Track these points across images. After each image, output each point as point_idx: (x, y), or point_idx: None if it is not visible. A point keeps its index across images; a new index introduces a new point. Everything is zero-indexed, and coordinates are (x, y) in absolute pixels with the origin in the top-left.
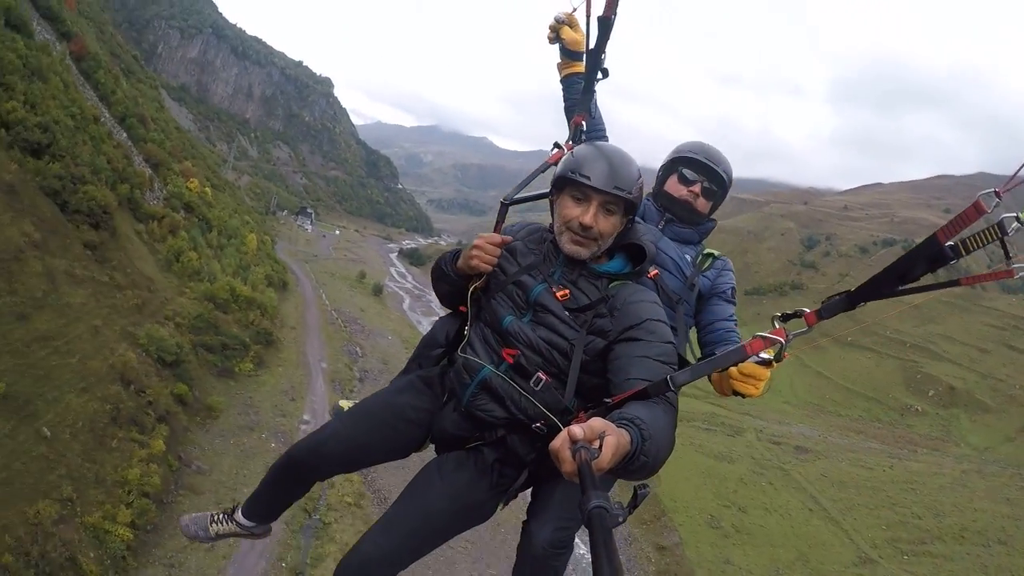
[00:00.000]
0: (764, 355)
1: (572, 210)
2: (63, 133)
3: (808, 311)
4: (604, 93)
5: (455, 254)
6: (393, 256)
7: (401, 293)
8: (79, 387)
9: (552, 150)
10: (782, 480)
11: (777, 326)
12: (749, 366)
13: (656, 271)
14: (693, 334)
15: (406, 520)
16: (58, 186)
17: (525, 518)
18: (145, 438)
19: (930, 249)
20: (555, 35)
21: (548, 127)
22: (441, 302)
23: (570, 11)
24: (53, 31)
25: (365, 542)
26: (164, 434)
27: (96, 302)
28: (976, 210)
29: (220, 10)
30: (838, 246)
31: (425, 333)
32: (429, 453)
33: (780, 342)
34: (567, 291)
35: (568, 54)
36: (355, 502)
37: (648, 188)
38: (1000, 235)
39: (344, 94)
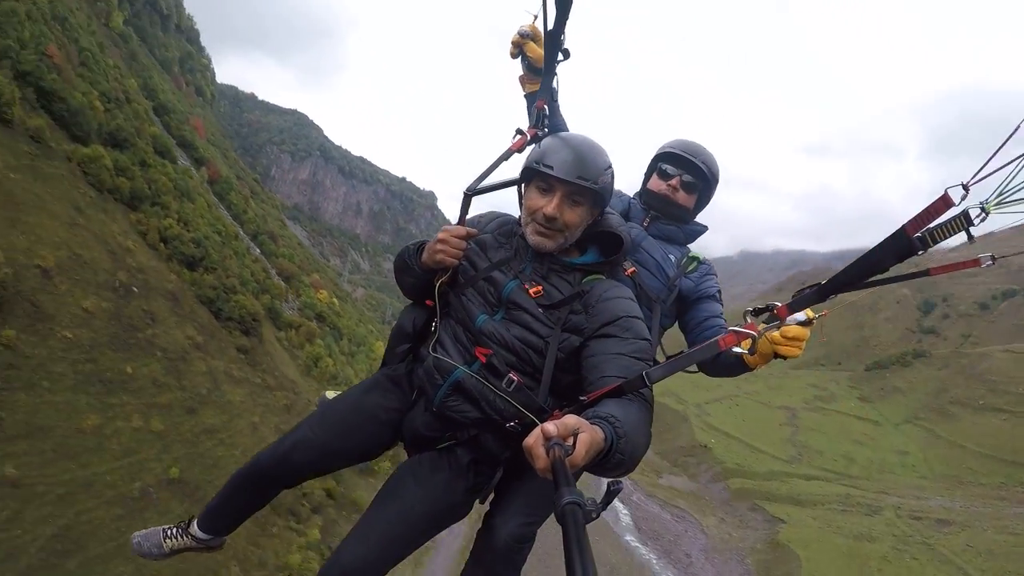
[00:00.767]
0: (738, 349)
1: (537, 201)
2: (213, 248)
3: (780, 304)
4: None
5: (419, 246)
6: None
7: None
8: None
9: (514, 136)
10: (927, 555)
11: (749, 320)
12: (793, 328)
13: (633, 268)
14: (667, 337)
15: (384, 526)
16: (213, 295)
17: (488, 510)
18: (302, 527)
19: (899, 242)
20: (518, 50)
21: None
22: (405, 295)
23: (532, 22)
24: (189, 157)
25: (343, 552)
26: (319, 524)
27: (252, 401)
28: (944, 203)
29: (326, 134)
30: (956, 306)
31: (390, 337)
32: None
33: (752, 335)
34: (540, 287)
35: (533, 70)
36: None
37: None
38: (965, 225)
39: (447, 205)
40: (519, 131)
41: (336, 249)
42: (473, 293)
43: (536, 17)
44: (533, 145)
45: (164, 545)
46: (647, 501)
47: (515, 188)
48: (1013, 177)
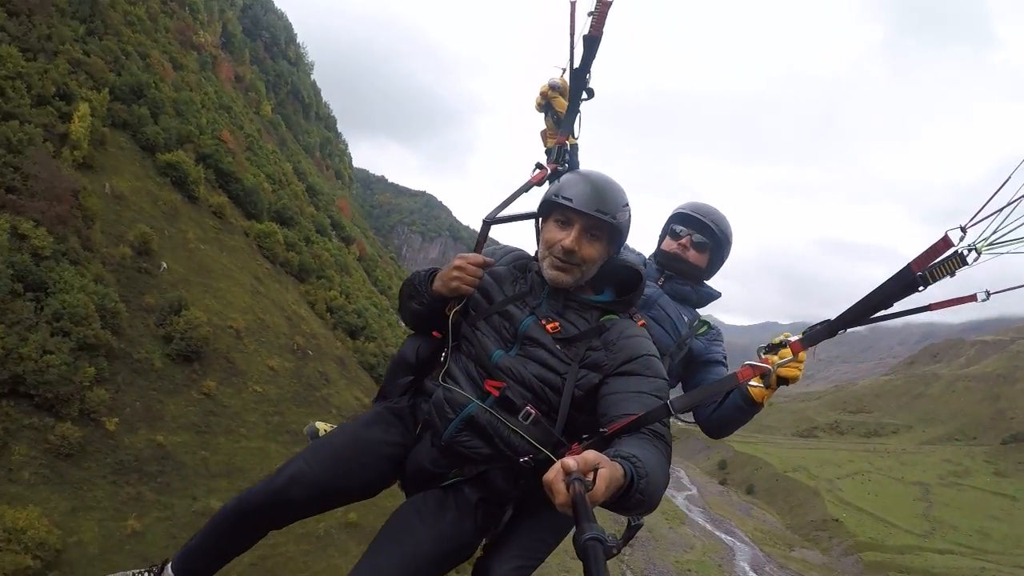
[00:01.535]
0: (754, 383)
1: (555, 234)
2: (371, 318)
3: (793, 340)
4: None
5: (431, 273)
6: None
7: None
8: None
9: (534, 170)
10: None
11: (763, 356)
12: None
13: (643, 321)
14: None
15: (390, 569)
16: (374, 362)
17: (480, 553)
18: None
19: (904, 279)
20: (545, 102)
21: (774, 296)
22: (407, 324)
23: (560, 75)
24: (338, 236)
25: None
26: None
27: None
28: (944, 244)
29: (455, 215)
30: None
31: (389, 367)
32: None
33: (768, 369)
34: (556, 323)
35: (558, 124)
36: None
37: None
38: (960, 264)
39: None
40: (539, 165)
41: None
42: (486, 327)
43: (565, 71)
44: (552, 182)
45: None
46: (779, 573)
47: (532, 225)
48: (1004, 221)
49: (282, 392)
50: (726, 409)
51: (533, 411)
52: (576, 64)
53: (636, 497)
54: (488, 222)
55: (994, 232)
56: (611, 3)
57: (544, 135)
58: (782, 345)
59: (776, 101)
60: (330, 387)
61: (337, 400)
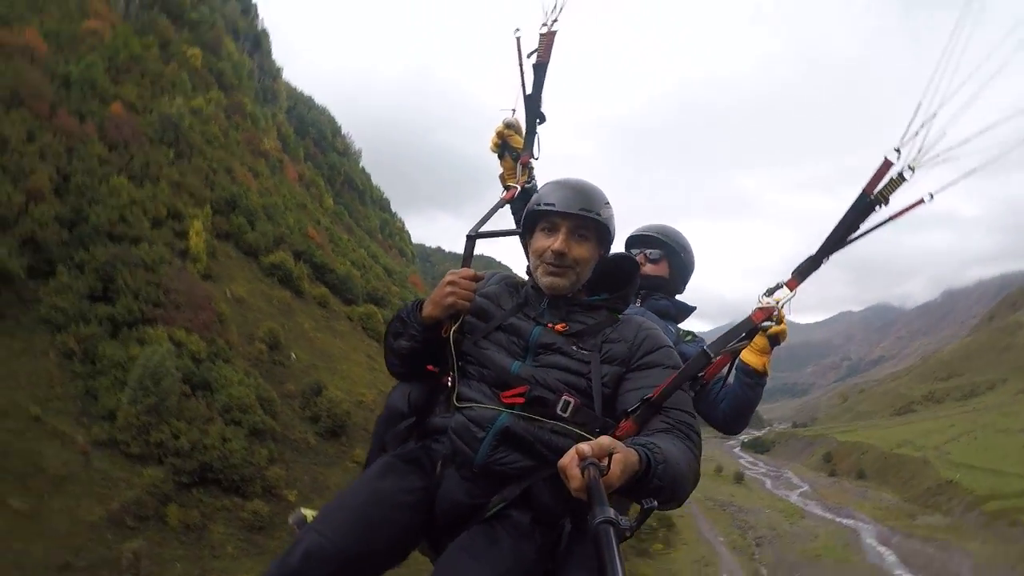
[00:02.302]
0: (767, 323)
1: (543, 242)
2: None
3: (788, 279)
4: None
5: (417, 304)
6: (736, 450)
7: (760, 477)
8: None
9: (503, 191)
10: None
11: (765, 299)
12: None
13: None
14: None
15: None
16: None
17: None
18: None
19: (863, 202)
20: (502, 141)
21: (841, 288)
22: (395, 370)
23: (512, 113)
24: None
25: None
26: None
27: None
28: (885, 166)
29: (514, 271)
30: None
31: (376, 425)
32: None
33: (774, 306)
34: (564, 323)
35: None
36: None
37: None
38: (901, 181)
39: None
40: (507, 186)
41: None
42: (491, 344)
43: (515, 111)
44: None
45: None
46: (907, 540)
47: (518, 246)
48: (927, 138)
49: None
50: (735, 395)
51: (572, 399)
52: (528, 91)
53: (654, 483)
54: (472, 237)
55: (919, 150)
56: (556, 32)
57: (503, 177)
58: (779, 287)
59: (801, 91)
60: None
61: None
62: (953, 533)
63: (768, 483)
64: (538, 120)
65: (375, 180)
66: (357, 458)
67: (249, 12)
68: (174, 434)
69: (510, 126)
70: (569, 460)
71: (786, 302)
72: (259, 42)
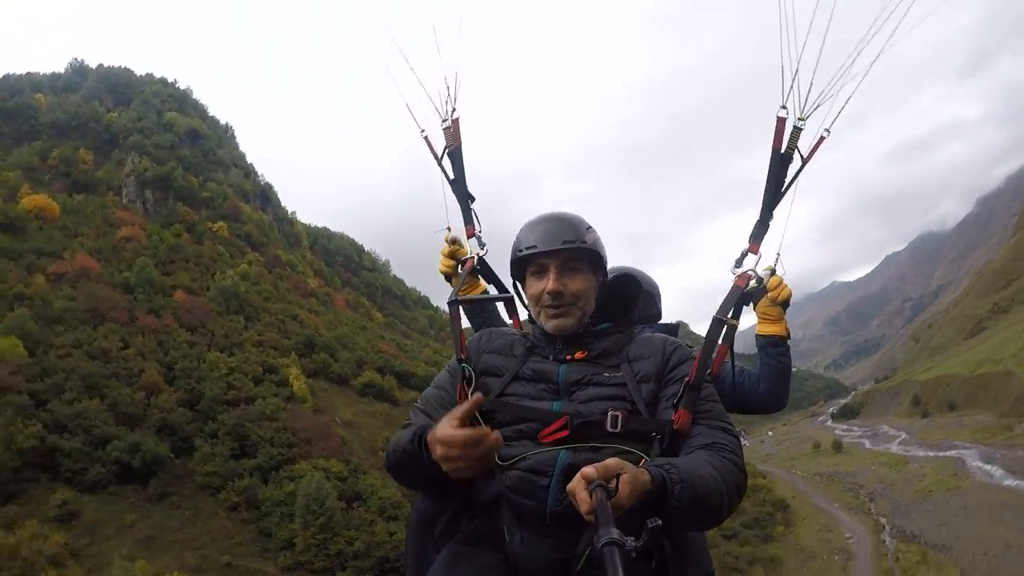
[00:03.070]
0: (753, 283)
1: (537, 286)
2: None
3: (749, 245)
4: None
5: (417, 437)
6: (828, 423)
7: (857, 441)
8: None
9: (463, 263)
10: None
11: (738, 269)
12: (773, 280)
13: None
14: None
15: None
16: None
17: None
18: None
19: (780, 157)
20: (454, 260)
21: (878, 231)
22: (420, 489)
23: (448, 230)
24: None
25: None
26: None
27: None
28: (781, 123)
29: None
30: None
31: (408, 536)
32: None
33: (749, 272)
34: (583, 351)
35: (472, 273)
36: None
37: None
38: (798, 132)
39: None
40: (461, 263)
41: None
42: (516, 395)
43: (449, 228)
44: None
45: None
46: (1009, 452)
47: (511, 299)
48: (808, 93)
49: None
50: (769, 369)
51: (619, 412)
52: (452, 176)
53: (674, 504)
54: (453, 303)
55: (804, 104)
56: (458, 118)
57: (465, 291)
58: (744, 255)
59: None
60: None
61: None
62: None
63: (867, 443)
64: (469, 199)
65: (411, 280)
66: None
67: (249, 173)
68: (348, 542)
69: (455, 242)
70: (577, 484)
71: (755, 266)
72: (267, 196)
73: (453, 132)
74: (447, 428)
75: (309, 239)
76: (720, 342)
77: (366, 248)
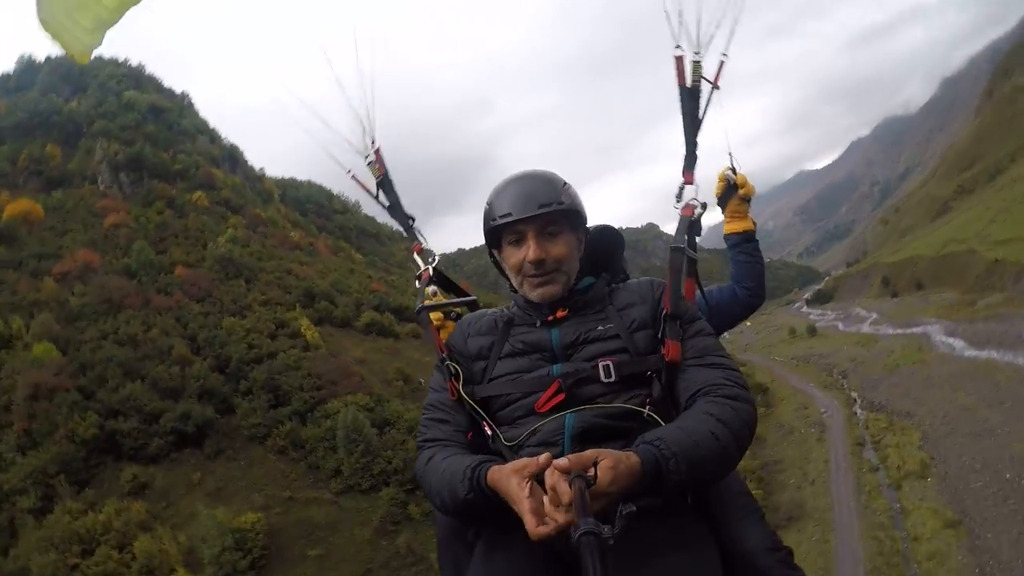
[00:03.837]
0: (698, 211)
1: (516, 255)
2: None
3: (684, 176)
4: None
5: (473, 478)
6: (803, 309)
7: (831, 324)
8: None
9: (419, 273)
10: None
11: (680, 204)
12: (739, 177)
13: None
14: None
15: None
16: None
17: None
18: None
19: (689, 92)
20: (432, 289)
21: (845, 117)
22: (449, 513)
23: (419, 269)
24: None
25: None
26: None
27: None
28: (680, 61)
29: None
30: None
31: (440, 552)
32: None
33: (691, 202)
34: (563, 309)
35: (446, 290)
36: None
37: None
38: (699, 65)
39: None
40: (417, 277)
41: None
42: (512, 371)
43: (419, 267)
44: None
45: None
46: (971, 325)
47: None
48: (697, 27)
49: None
50: (746, 267)
51: (608, 360)
52: (388, 203)
53: (672, 478)
54: (423, 309)
55: (698, 38)
56: (379, 148)
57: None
58: (682, 188)
59: None
60: None
61: None
62: (1011, 304)
63: (840, 325)
64: (410, 220)
65: (381, 216)
66: None
67: (215, 138)
68: (387, 461)
69: (435, 294)
70: (555, 479)
71: (692, 198)
72: (235, 158)
73: (378, 163)
74: (522, 493)
75: (279, 191)
76: (685, 276)
77: (335, 191)
